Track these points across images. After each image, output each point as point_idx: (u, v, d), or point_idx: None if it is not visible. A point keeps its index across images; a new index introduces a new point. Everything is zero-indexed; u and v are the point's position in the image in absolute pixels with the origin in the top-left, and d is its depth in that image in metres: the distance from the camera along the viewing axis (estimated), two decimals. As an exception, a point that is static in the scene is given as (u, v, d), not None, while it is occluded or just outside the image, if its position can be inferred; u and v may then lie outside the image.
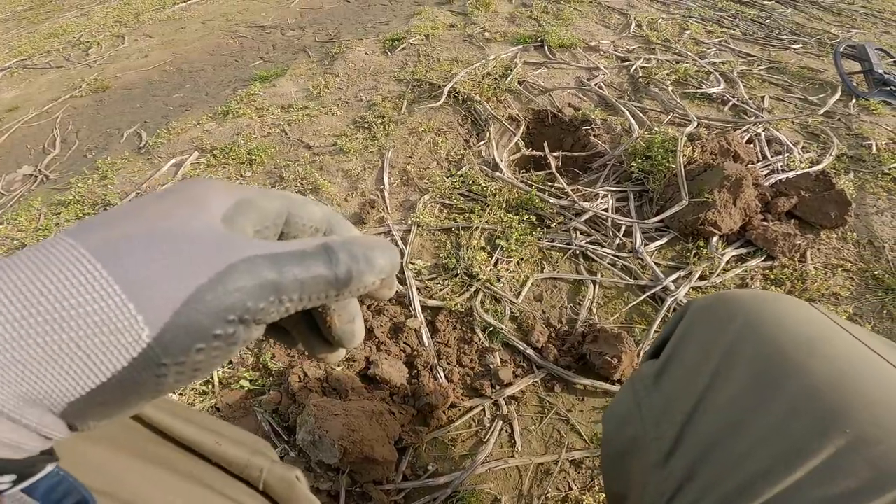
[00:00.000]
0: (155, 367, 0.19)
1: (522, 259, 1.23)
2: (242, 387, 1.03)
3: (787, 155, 1.49)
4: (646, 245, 1.23)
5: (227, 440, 0.40)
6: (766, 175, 1.40)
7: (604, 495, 0.90)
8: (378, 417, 0.90)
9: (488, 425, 0.98)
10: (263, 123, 1.73)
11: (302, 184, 1.43)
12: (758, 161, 1.46)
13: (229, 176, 1.48)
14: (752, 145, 1.51)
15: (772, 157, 1.49)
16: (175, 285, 0.19)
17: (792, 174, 1.38)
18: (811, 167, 1.43)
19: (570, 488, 0.92)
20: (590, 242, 1.25)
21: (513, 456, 0.95)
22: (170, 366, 0.19)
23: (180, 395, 1.02)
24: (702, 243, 1.23)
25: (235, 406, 1.01)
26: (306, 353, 0.30)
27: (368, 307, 1.10)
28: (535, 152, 1.50)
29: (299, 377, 0.99)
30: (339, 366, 1.00)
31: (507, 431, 0.98)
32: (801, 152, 1.52)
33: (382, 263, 0.24)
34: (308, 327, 0.29)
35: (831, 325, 0.42)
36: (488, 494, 0.91)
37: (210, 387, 1.03)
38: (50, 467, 0.21)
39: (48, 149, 1.89)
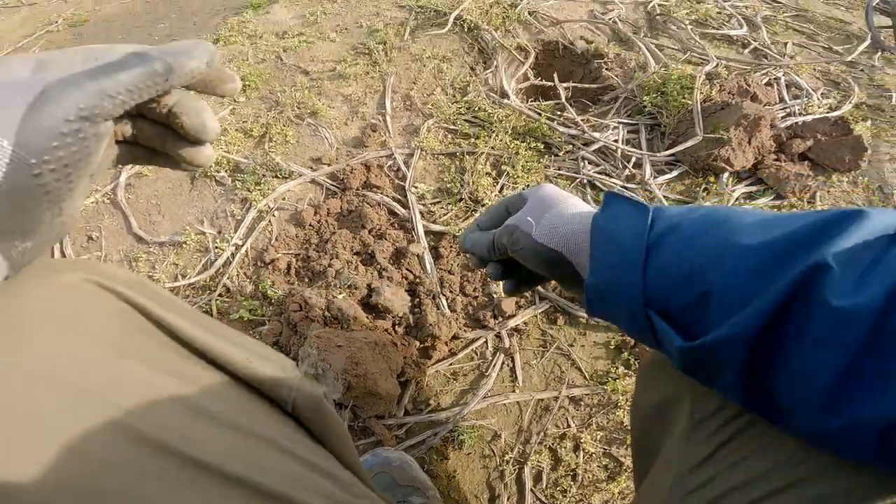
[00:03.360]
0: (27, 167, 0.24)
1: (528, 185, 1.20)
2: (242, 317, 1.00)
3: (805, 100, 1.44)
4: (655, 178, 1.21)
5: (256, 357, 0.39)
6: (782, 118, 1.35)
7: (601, 433, 0.90)
8: (381, 349, 0.88)
9: (490, 358, 0.97)
10: (257, 50, 1.62)
11: (299, 108, 1.36)
12: (776, 104, 1.40)
13: (221, 102, 1.40)
14: (770, 88, 1.45)
15: (790, 101, 1.44)
16: (10, 110, 0.24)
17: (810, 118, 1.34)
18: (830, 113, 1.38)
19: (569, 425, 0.92)
20: (598, 172, 1.22)
21: (514, 391, 0.94)
22: (39, 164, 0.24)
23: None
24: (712, 179, 1.21)
25: (234, 337, 0.98)
26: (180, 161, 0.35)
27: (370, 231, 1.05)
28: (544, 82, 1.43)
29: (300, 306, 0.97)
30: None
31: (508, 365, 0.97)
32: (819, 98, 1.47)
33: (200, 50, 0.30)
34: (173, 138, 0.33)
35: None
36: (488, 429, 0.91)
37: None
38: None
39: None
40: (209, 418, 0.33)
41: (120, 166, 1.25)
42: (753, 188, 1.22)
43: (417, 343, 0.94)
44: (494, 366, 0.96)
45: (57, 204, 0.26)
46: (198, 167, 0.35)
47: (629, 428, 0.60)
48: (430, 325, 0.93)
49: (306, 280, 1.02)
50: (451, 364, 0.96)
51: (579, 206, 0.45)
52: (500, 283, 0.57)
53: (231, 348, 0.37)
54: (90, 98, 0.25)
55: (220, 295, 1.04)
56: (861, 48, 1.73)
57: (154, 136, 0.33)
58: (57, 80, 0.25)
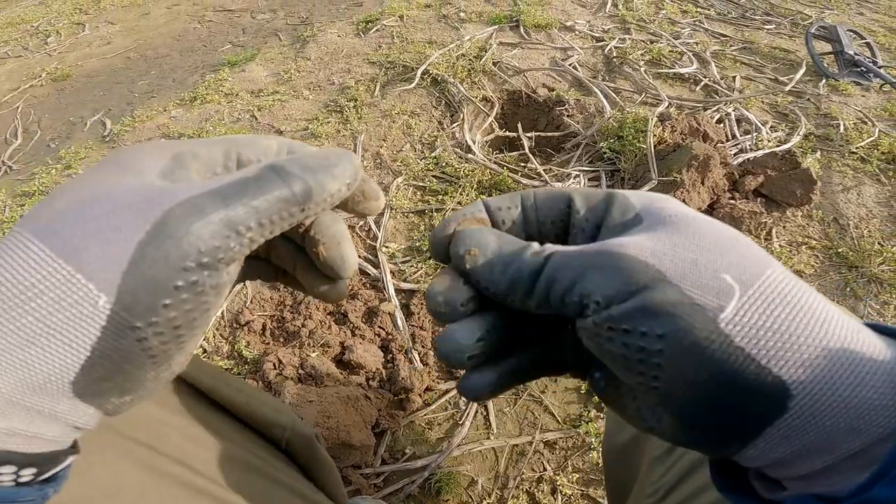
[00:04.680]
0: (130, 331, 0.19)
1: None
2: (217, 377, 1.03)
3: (755, 134, 1.51)
4: (617, 225, 1.25)
5: (255, 400, 0.44)
6: (734, 154, 1.42)
7: (577, 475, 0.92)
8: (354, 403, 0.91)
9: (464, 408, 1.00)
10: (233, 109, 1.69)
11: (273, 170, 1.41)
12: (727, 140, 1.47)
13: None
14: (721, 125, 1.53)
15: (741, 136, 1.51)
16: (114, 246, 0.18)
17: (759, 153, 1.40)
18: (779, 146, 1.45)
19: (545, 469, 0.94)
20: (562, 223, 1.26)
21: (488, 438, 0.97)
22: (144, 328, 0.19)
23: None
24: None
25: (211, 396, 1.00)
26: (309, 293, 0.29)
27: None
28: (508, 133, 1.50)
29: (274, 364, 0.99)
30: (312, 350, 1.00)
31: (482, 413, 1.00)
32: (769, 132, 1.54)
33: (342, 168, 0.23)
34: (305, 264, 0.28)
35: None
36: (465, 476, 0.92)
37: (184, 378, 1.02)
38: (69, 459, 0.21)
39: (10, 139, 1.82)
40: (207, 449, 0.37)
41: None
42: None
43: (391, 396, 0.97)
44: (468, 414, 0.98)
45: (164, 363, 0.21)
46: (327, 302, 0.30)
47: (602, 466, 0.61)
48: (403, 378, 0.95)
49: (281, 340, 1.05)
50: (425, 414, 0.98)
51: (798, 284, 0.21)
52: (465, 370, 0.25)
53: (232, 392, 0.42)
54: (215, 235, 0.19)
55: (196, 355, 1.06)
56: (798, 76, 1.82)
57: (286, 255, 0.28)
58: (181, 202, 0.19)
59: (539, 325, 0.25)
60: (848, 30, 2.01)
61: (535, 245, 0.23)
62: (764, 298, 0.20)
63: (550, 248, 0.23)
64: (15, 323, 0.18)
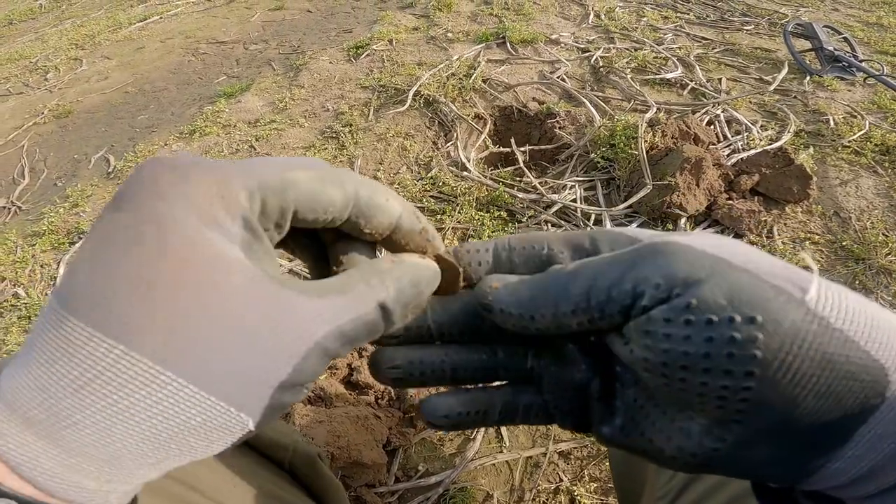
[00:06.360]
0: (245, 434, 0.21)
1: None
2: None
3: (746, 134, 1.53)
4: (615, 232, 1.26)
5: None
6: (727, 155, 1.43)
7: (595, 485, 0.92)
8: (364, 422, 0.92)
9: (474, 422, 1.00)
10: (231, 140, 1.72)
11: (273, 198, 1.44)
12: (719, 142, 1.49)
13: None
14: (712, 127, 1.55)
15: (732, 137, 1.53)
16: (264, 385, 0.19)
17: (752, 153, 1.42)
18: (771, 144, 1.46)
19: (561, 479, 0.93)
20: (561, 233, 1.27)
21: (501, 451, 0.96)
22: (254, 430, 0.21)
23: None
24: (670, 226, 1.26)
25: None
26: None
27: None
28: (502, 149, 1.52)
29: (284, 391, 1.00)
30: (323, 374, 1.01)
31: (493, 427, 1.00)
32: (759, 131, 1.56)
33: (427, 294, 0.24)
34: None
35: None
36: (480, 490, 0.92)
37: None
38: None
39: (17, 179, 1.85)
40: (211, 471, 0.38)
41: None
42: (711, 230, 1.27)
43: (401, 414, 0.97)
44: (479, 429, 0.98)
45: None
46: None
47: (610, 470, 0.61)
48: (412, 396, 0.96)
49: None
50: (436, 431, 0.99)
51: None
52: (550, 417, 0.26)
53: None
54: (325, 364, 0.21)
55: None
56: (782, 75, 1.84)
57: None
58: (315, 343, 0.20)
59: (511, 367, 0.26)
60: (824, 26, 2.05)
61: (585, 265, 0.21)
62: (828, 285, 0.18)
63: (587, 263, 0.21)
64: (179, 459, 0.20)
